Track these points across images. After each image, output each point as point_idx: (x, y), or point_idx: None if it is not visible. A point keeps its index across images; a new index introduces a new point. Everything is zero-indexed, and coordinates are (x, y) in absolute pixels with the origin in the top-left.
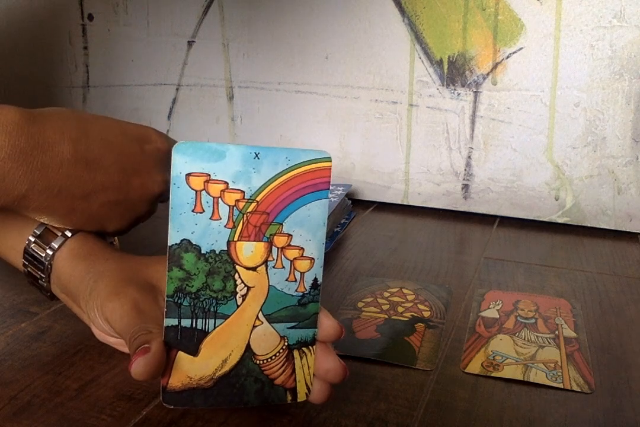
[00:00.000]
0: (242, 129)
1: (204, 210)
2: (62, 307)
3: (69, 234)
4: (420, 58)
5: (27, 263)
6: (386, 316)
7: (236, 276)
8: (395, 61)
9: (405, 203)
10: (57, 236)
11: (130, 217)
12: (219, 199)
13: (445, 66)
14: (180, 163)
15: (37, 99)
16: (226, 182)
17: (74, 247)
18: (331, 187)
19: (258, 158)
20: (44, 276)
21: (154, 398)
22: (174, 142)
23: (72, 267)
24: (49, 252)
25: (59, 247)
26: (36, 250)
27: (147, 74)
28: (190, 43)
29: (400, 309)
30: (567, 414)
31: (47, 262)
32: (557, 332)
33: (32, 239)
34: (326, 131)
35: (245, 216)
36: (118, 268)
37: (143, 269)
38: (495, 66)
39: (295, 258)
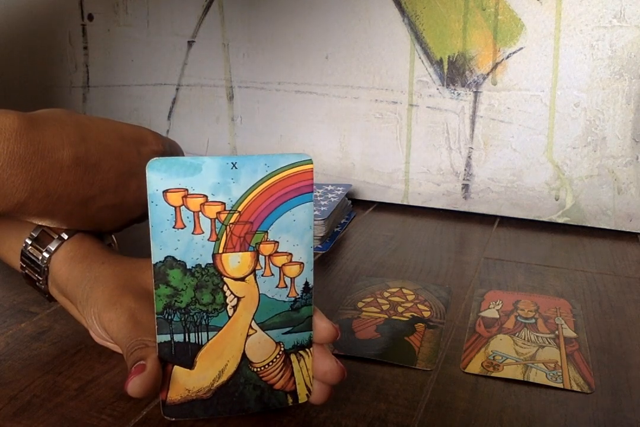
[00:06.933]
0: (242, 129)
1: (185, 226)
2: (62, 307)
3: (65, 236)
4: (420, 58)
5: (24, 265)
6: (386, 316)
7: (225, 287)
8: (395, 61)
9: (405, 203)
10: (54, 238)
11: (125, 219)
12: (200, 213)
13: (445, 66)
14: (156, 180)
15: (37, 98)
16: (205, 196)
17: (70, 250)
18: (331, 187)
19: (236, 168)
20: (40, 278)
21: (154, 398)
22: (170, 142)
23: (69, 270)
24: (45, 254)
25: (55, 250)
26: (33, 252)
27: (147, 74)
28: (190, 43)
29: (400, 309)
30: (567, 414)
31: (43, 265)
32: (557, 332)
33: (29, 242)
34: (326, 131)
35: (228, 227)
36: (114, 273)
37: (139, 275)
38: (495, 66)
39: (283, 264)
